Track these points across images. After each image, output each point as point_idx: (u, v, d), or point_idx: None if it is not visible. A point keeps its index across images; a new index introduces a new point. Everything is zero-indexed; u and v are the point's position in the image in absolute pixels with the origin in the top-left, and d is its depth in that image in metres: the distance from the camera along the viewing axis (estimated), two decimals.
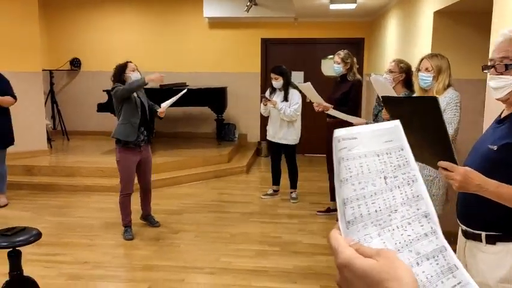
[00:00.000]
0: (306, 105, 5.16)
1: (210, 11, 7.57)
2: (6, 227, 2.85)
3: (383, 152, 0.60)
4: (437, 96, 1.83)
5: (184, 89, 4.34)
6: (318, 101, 4.47)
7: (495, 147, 1.61)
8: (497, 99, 1.68)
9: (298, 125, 5.09)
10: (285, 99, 4.98)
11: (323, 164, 4.97)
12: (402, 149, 0.62)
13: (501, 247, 1.62)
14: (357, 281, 0.51)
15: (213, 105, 7.19)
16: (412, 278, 0.49)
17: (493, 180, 1.50)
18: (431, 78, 2.89)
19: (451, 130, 2.70)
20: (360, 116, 4.57)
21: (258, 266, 3.53)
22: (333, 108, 4.41)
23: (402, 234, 0.58)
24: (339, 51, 4.52)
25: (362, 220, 0.57)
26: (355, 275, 0.51)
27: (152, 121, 4.25)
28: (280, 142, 5.12)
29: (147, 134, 4.13)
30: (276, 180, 5.41)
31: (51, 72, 7.70)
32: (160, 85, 6.24)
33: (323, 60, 7.90)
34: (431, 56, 2.93)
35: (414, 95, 3.13)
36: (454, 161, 1.53)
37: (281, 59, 7.52)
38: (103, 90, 6.80)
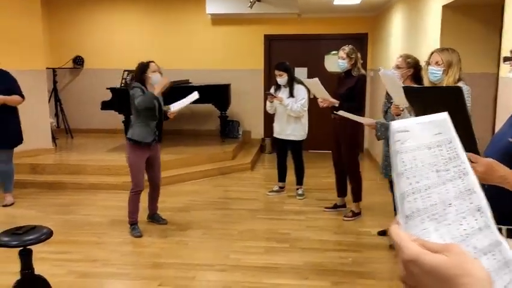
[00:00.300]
0: (311, 101, 5.15)
1: (212, 7, 7.54)
2: (15, 226, 2.84)
3: (433, 144, 0.59)
4: (460, 86, 1.82)
5: (195, 94, 4.32)
6: (324, 96, 4.45)
7: None
8: None
9: (305, 120, 5.08)
10: (291, 95, 4.96)
11: (328, 160, 4.96)
12: (450, 142, 0.61)
13: None
14: (426, 277, 0.49)
15: (217, 102, 7.17)
16: (485, 273, 0.48)
17: None
18: (441, 72, 2.88)
19: None
20: (364, 111, 4.55)
21: (268, 262, 3.52)
22: (339, 103, 4.41)
23: (458, 229, 0.57)
24: (344, 47, 4.50)
25: (419, 214, 0.56)
26: (423, 271, 0.49)
27: (162, 120, 4.25)
28: (287, 139, 5.10)
29: (158, 134, 4.13)
30: (282, 177, 5.40)
31: (54, 70, 7.68)
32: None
33: (326, 56, 7.88)
34: (442, 50, 2.92)
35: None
36: (476, 152, 1.51)
37: (284, 56, 7.50)
38: (107, 88, 6.79)
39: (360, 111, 4.54)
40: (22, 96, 4.60)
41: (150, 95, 3.91)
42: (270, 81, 7.96)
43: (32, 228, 2.84)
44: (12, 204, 4.92)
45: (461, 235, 0.56)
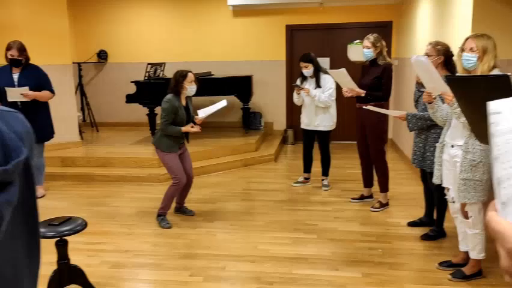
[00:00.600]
0: (337, 90, 5.10)
1: None
2: (49, 218, 2.91)
3: None
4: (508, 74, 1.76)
5: (223, 102, 4.33)
6: (351, 87, 4.41)
7: None
8: None
9: (333, 110, 5.04)
10: (318, 85, 4.93)
11: (353, 151, 4.92)
12: None
13: None
14: None
15: (239, 93, 7.17)
16: None
17: None
18: (476, 59, 2.82)
19: None
20: (388, 100, 4.49)
21: (296, 253, 3.52)
22: (366, 93, 4.36)
23: None
24: (368, 35, 4.42)
25: None
26: None
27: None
28: (316, 129, 5.08)
29: (187, 136, 4.21)
30: (307, 168, 5.38)
31: (79, 64, 7.79)
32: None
33: (349, 46, 7.77)
34: (477, 36, 2.85)
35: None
36: None
37: (306, 46, 7.45)
38: (131, 82, 6.85)
39: (386, 101, 4.49)
40: (52, 92, 4.68)
41: (178, 132, 3.99)
42: (292, 72, 7.93)
43: (67, 220, 2.90)
44: (43, 196, 5.03)
45: None
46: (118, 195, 5.13)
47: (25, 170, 0.49)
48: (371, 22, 7.49)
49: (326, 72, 4.93)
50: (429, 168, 3.62)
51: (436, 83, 2.95)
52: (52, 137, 5.02)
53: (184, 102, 4.09)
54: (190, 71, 4.08)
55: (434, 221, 3.91)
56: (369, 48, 4.39)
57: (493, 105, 0.55)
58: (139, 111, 7.26)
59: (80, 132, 6.93)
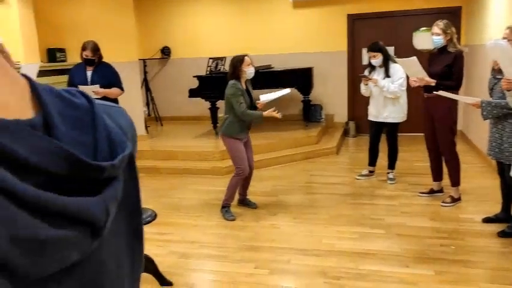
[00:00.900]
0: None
1: None
2: None
3: None
4: None
5: (287, 90, 4.29)
6: (420, 76, 4.21)
7: None
8: None
9: (404, 100, 4.84)
10: (387, 75, 4.75)
11: (419, 143, 4.71)
12: None
13: None
14: None
15: (300, 86, 7.09)
16: None
17: None
18: None
19: None
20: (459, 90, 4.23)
21: (363, 248, 3.43)
22: (436, 82, 4.15)
23: None
24: (437, 22, 4.19)
25: None
26: None
27: None
28: (385, 121, 4.91)
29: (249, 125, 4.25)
30: (373, 161, 5.22)
31: (144, 61, 8.07)
32: None
33: (414, 33, 7.46)
34: None
35: None
36: None
37: (369, 35, 7.23)
38: (193, 76, 6.99)
39: (457, 90, 4.24)
40: (122, 89, 4.87)
41: (259, 116, 4.00)
42: (353, 62, 7.72)
43: None
44: None
45: None
46: (183, 187, 5.26)
47: (129, 165, 0.49)
48: (438, 8, 7.12)
49: (395, 62, 4.75)
50: (507, 160, 3.39)
51: None
52: None
53: (244, 87, 4.12)
54: (246, 55, 4.11)
55: (511, 217, 3.66)
56: (439, 35, 4.16)
57: None
58: (201, 105, 7.39)
59: (146, 127, 7.18)
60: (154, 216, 2.98)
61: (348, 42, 7.71)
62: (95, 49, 4.65)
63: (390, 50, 7.30)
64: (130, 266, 0.52)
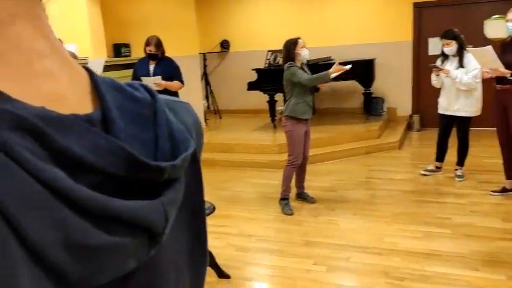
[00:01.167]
0: None
1: None
2: None
3: None
4: None
5: (349, 66, 4.17)
6: (495, 66, 3.92)
7: None
8: None
9: (478, 93, 4.52)
10: (461, 65, 4.46)
11: (491, 139, 4.39)
12: None
13: None
14: None
15: (361, 78, 6.88)
16: None
17: None
18: None
19: None
20: None
21: (428, 249, 3.26)
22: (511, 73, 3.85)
23: None
24: None
25: None
26: None
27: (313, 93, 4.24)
28: (456, 115, 4.62)
29: (313, 109, 4.16)
30: (440, 157, 4.93)
31: (204, 54, 8.18)
32: (308, 60, 6.16)
33: (486, 22, 6.95)
34: None
35: None
36: None
37: (436, 24, 6.85)
38: (252, 69, 6.98)
39: None
40: (182, 82, 4.95)
41: (326, 75, 3.89)
42: (419, 53, 7.37)
43: None
44: None
45: None
46: (240, 180, 5.27)
47: (192, 165, 0.44)
48: None
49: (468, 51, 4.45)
50: None
51: None
52: None
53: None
54: (299, 38, 4.05)
55: None
56: None
57: None
58: (259, 98, 7.38)
59: (205, 119, 7.29)
60: (212, 209, 3.00)
61: (413, 31, 7.36)
62: (159, 44, 4.77)
63: None
64: (190, 270, 0.48)
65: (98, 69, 3.88)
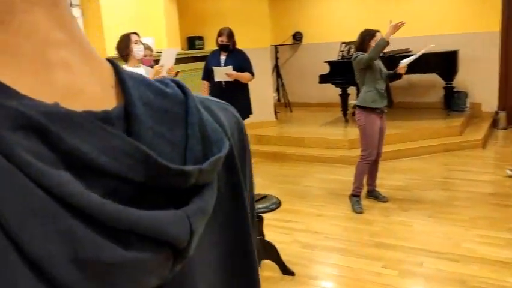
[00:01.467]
0: None
1: None
2: None
3: None
4: None
5: (430, 46, 3.95)
6: None
7: None
8: None
9: None
10: None
11: None
12: None
13: None
14: None
15: (441, 71, 6.47)
16: None
17: None
18: None
19: None
20: None
21: (510, 258, 2.98)
22: None
23: None
24: None
25: None
26: None
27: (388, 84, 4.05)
28: None
29: (388, 101, 3.97)
30: None
31: (276, 47, 8.14)
32: (384, 52, 5.90)
33: None
34: None
35: None
36: None
37: None
38: (324, 62, 6.83)
39: None
40: (252, 74, 4.96)
41: (383, 42, 3.73)
42: (507, 44, 6.77)
43: (263, 197, 3.02)
44: None
45: None
46: (309, 175, 5.18)
47: (228, 168, 0.39)
48: None
49: None
50: None
51: None
52: (248, 116, 5.33)
53: None
54: (378, 31, 3.90)
55: None
56: None
57: None
58: (330, 92, 7.20)
59: (275, 112, 7.26)
60: (278, 204, 2.96)
61: (502, 20, 6.78)
62: (230, 35, 4.80)
63: None
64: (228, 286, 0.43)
65: (170, 59, 3.97)
